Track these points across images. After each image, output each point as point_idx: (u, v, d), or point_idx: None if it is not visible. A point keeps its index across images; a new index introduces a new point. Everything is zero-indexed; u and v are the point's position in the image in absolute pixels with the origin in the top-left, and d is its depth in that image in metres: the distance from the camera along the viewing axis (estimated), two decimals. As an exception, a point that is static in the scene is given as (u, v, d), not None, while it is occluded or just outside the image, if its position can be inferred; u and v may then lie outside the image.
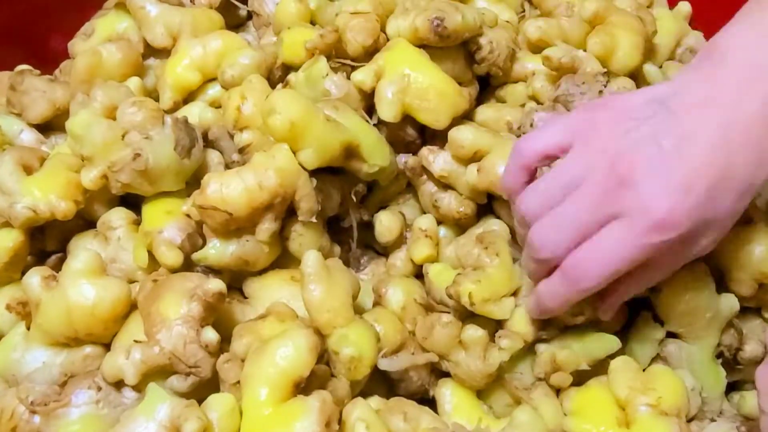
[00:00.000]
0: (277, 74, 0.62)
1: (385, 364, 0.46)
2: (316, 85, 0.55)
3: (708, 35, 0.67)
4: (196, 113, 0.59)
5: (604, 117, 0.42)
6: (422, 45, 0.56)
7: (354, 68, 0.56)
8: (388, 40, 0.57)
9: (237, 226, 0.49)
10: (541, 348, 0.47)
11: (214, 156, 0.56)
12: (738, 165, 0.39)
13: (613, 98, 0.45)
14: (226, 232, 0.49)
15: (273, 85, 0.61)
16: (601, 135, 0.41)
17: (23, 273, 0.47)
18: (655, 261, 0.40)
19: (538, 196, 0.43)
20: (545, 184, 0.43)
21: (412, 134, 0.57)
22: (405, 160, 0.58)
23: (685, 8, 0.70)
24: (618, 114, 0.41)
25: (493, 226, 0.54)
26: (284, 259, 0.53)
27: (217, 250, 0.49)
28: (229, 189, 0.47)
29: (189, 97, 0.62)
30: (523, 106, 0.60)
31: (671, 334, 0.49)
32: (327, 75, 0.55)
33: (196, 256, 0.49)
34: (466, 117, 0.59)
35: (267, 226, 0.49)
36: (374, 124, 0.58)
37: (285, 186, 0.48)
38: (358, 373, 0.44)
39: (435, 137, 0.57)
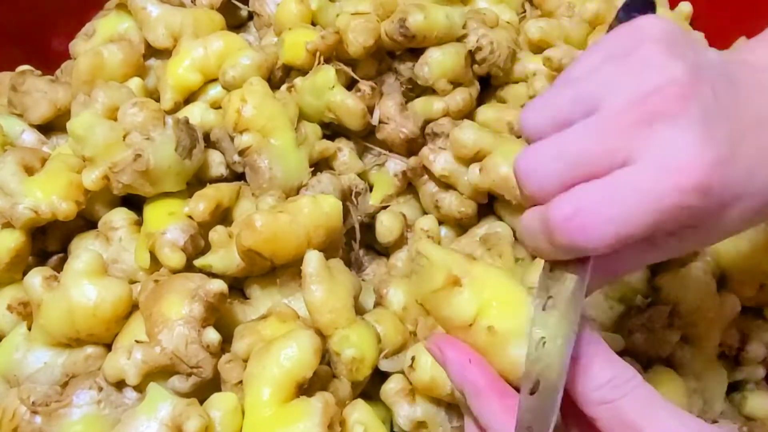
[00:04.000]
0: (278, 75, 0.62)
1: (386, 365, 0.46)
2: (322, 94, 0.56)
3: (708, 35, 0.67)
4: (197, 114, 0.59)
5: (654, 39, 0.31)
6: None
7: (356, 80, 0.57)
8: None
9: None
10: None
11: (215, 156, 0.56)
12: None
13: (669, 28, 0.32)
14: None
15: (274, 86, 0.61)
16: (644, 51, 0.31)
17: (25, 273, 0.47)
18: (673, 232, 0.32)
19: (547, 110, 0.32)
20: (556, 95, 0.32)
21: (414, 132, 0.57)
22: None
23: (685, 9, 0.70)
24: (672, 45, 0.31)
25: (497, 228, 0.54)
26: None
27: (222, 261, 0.49)
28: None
29: (190, 98, 0.62)
30: (523, 106, 0.60)
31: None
32: (333, 87, 0.56)
33: (199, 262, 0.49)
34: (467, 117, 0.59)
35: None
36: (374, 125, 0.58)
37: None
38: (360, 374, 0.44)
39: (435, 137, 0.57)
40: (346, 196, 0.56)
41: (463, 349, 0.33)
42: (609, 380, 0.30)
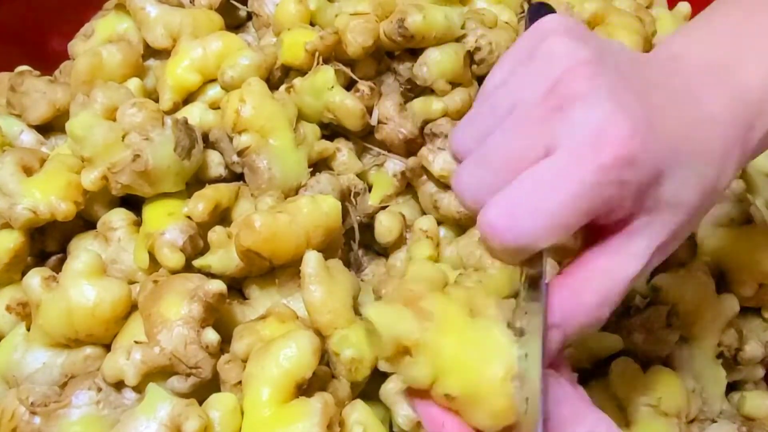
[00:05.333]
0: (277, 75, 0.62)
1: (385, 366, 0.46)
2: (321, 95, 0.56)
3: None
4: (196, 114, 0.59)
5: (554, 32, 0.31)
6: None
7: (355, 81, 0.57)
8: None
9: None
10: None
11: (214, 157, 0.56)
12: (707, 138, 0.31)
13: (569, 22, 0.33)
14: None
15: (273, 86, 0.61)
16: (547, 45, 0.31)
17: (23, 274, 0.47)
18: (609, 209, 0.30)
19: (469, 127, 0.33)
20: (476, 111, 0.33)
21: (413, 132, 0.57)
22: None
23: (684, 8, 0.70)
24: (573, 34, 0.31)
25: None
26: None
27: (221, 261, 0.49)
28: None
29: (189, 98, 0.62)
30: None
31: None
32: (332, 87, 0.56)
33: (198, 262, 0.49)
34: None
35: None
36: (373, 125, 0.58)
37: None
38: (359, 375, 0.44)
39: (434, 137, 0.57)
40: (345, 197, 0.56)
41: (437, 408, 0.31)
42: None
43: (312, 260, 0.44)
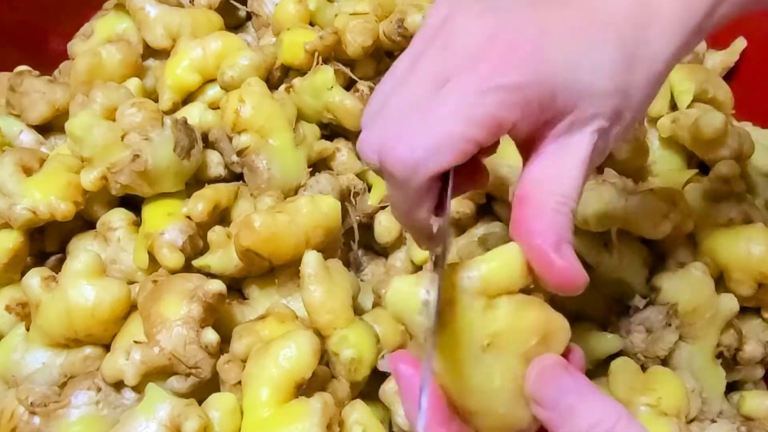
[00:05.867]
0: (277, 75, 0.62)
1: (384, 365, 0.46)
2: (320, 95, 0.56)
3: (707, 35, 0.67)
4: (195, 114, 0.59)
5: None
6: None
7: (354, 81, 0.57)
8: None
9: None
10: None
11: (213, 157, 0.56)
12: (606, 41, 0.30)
13: None
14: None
15: (272, 86, 0.61)
16: (443, 14, 0.32)
17: (23, 274, 0.47)
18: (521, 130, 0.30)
19: (374, 99, 0.33)
20: (378, 88, 0.33)
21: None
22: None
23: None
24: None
25: (496, 228, 0.54)
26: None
27: (221, 261, 0.49)
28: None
29: (188, 98, 0.62)
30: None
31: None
32: (332, 87, 0.56)
33: (198, 262, 0.49)
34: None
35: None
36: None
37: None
38: (358, 375, 0.44)
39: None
40: (345, 197, 0.56)
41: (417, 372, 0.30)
42: (597, 422, 0.28)
43: (312, 260, 0.44)
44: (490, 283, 0.29)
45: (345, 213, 0.56)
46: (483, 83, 0.28)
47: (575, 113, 0.30)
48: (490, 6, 0.30)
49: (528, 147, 0.32)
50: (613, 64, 0.30)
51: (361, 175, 0.59)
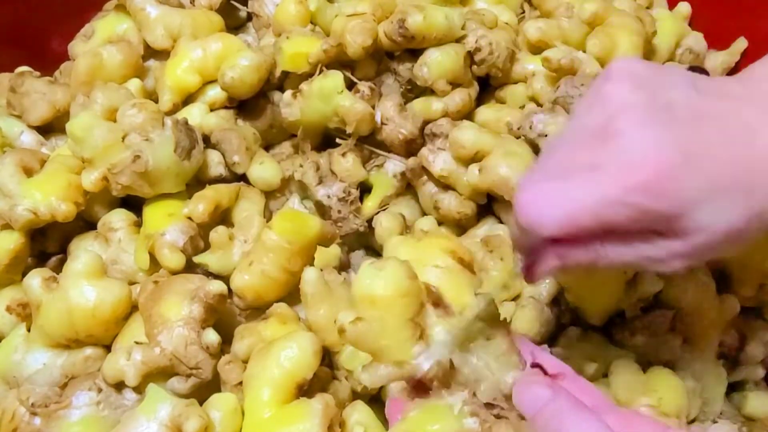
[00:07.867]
0: (277, 75, 0.62)
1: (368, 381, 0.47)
2: (330, 99, 0.56)
3: (708, 36, 0.67)
4: (196, 115, 0.59)
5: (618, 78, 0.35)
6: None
7: (355, 82, 0.57)
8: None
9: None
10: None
11: (214, 157, 0.56)
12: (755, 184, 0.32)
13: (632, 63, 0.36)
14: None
15: (273, 87, 0.61)
16: (607, 94, 0.35)
17: (24, 275, 0.47)
18: (622, 234, 0.34)
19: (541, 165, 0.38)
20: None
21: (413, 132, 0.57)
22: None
23: (684, 9, 0.70)
24: (632, 80, 0.35)
25: (498, 230, 0.54)
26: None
27: (219, 261, 0.49)
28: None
29: (189, 99, 0.62)
30: (522, 107, 0.60)
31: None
32: (342, 92, 0.56)
33: (197, 259, 0.49)
34: (466, 118, 0.59)
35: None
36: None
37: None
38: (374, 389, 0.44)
39: (435, 137, 0.57)
40: (326, 215, 0.56)
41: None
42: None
43: (311, 279, 0.44)
44: None
45: (325, 215, 0.56)
46: (624, 195, 0.31)
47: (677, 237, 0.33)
48: (655, 118, 0.32)
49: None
50: (735, 219, 0.33)
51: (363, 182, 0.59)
